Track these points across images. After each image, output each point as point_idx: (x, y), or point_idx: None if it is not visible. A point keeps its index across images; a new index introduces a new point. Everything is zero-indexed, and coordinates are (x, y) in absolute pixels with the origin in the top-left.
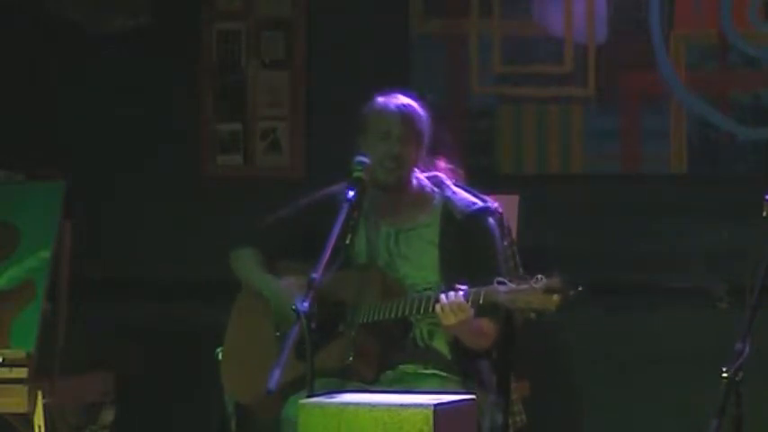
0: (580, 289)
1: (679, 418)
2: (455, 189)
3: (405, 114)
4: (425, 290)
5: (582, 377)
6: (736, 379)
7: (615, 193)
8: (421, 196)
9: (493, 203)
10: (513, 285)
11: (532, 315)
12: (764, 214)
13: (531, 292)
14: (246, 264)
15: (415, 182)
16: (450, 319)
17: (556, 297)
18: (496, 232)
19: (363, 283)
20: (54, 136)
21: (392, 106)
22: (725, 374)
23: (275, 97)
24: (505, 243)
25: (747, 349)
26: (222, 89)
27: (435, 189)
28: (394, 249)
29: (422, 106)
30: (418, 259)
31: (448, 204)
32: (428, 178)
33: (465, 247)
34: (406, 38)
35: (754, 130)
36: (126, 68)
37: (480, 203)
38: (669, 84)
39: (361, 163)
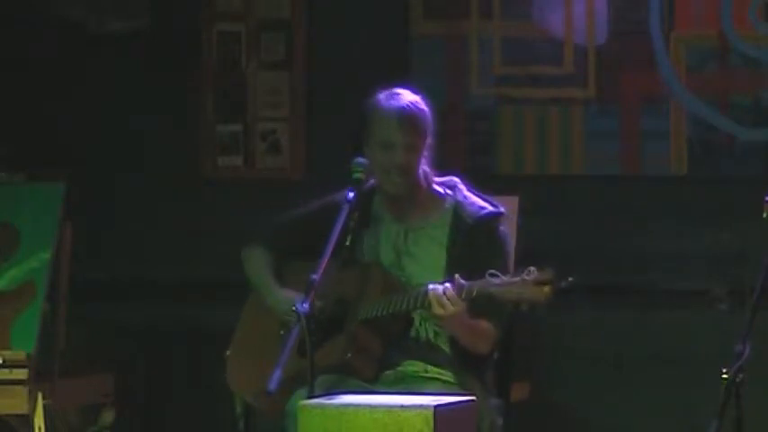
0: (570, 279)
1: (679, 419)
2: (467, 193)
3: (405, 120)
4: None
5: (582, 377)
6: (737, 380)
7: (615, 194)
8: (433, 197)
9: (501, 208)
10: (504, 278)
11: (524, 307)
12: (765, 215)
13: (522, 284)
14: (255, 265)
15: (425, 182)
16: (439, 310)
17: (547, 289)
18: (506, 239)
19: (365, 280)
20: (54, 136)
21: (392, 112)
22: (725, 376)
23: (275, 98)
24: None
25: (747, 351)
26: (222, 90)
27: (449, 192)
28: (402, 247)
29: (423, 101)
30: (425, 259)
31: (459, 208)
32: (443, 182)
33: (473, 252)
34: (406, 38)
35: (755, 132)
36: (126, 69)
37: (491, 208)
38: (669, 85)
39: (361, 164)
